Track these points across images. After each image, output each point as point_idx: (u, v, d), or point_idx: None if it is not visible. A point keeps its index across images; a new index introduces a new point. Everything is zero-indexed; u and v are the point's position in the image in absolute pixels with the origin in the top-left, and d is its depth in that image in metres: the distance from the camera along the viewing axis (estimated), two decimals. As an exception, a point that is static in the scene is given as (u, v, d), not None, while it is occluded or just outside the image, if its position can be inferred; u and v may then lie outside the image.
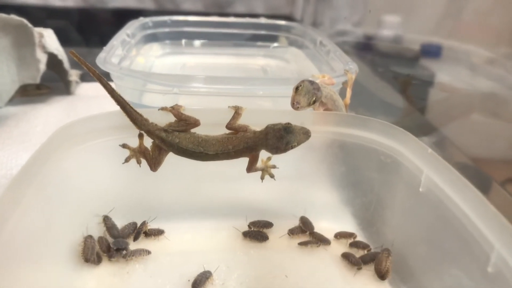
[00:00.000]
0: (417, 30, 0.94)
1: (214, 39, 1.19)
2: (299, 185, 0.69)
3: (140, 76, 0.73)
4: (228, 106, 0.56)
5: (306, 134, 0.52)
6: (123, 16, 1.19)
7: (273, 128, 0.52)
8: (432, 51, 0.86)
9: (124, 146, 0.56)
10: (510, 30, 0.67)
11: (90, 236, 0.60)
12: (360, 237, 0.67)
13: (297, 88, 0.60)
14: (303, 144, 0.52)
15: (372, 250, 0.64)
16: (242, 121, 0.55)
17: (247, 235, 0.66)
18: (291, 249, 0.65)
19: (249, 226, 0.68)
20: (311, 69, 1.02)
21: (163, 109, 0.55)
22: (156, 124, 0.54)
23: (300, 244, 0.65)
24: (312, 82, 0.61)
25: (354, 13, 1.31)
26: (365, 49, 1.19)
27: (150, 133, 0.54)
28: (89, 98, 1.12)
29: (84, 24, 1.46)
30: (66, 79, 1.12)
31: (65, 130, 0.57)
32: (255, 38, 1.22)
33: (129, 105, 0.54)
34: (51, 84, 1.14)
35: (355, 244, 0.65)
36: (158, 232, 0.65)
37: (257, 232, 0.66)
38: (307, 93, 0.60)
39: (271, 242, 0.66)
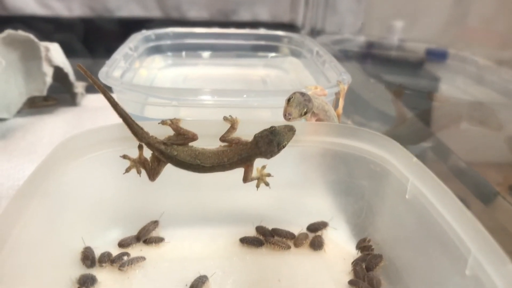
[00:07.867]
0: (422, 36, 0.94)
1: (215, 50, 1.22)
2: (293, 193, 0.71)
3: (140, 90, 0.76)
4: (224, 117, 0.59)
5: (291, 130, 0.55)
6: (128, 26, 1.23)
7: (260, 135, 0.55)
8: (437, 55, 0.86)
9: (124, 156, 0.59)
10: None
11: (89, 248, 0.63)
12: (353, 243, 0.68)
13: (288, 100, 0.62)
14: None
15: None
16: (240, 132, 0.57)
17: (244, 241, 0.68)
18: (286, 254, 0.67)
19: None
20: (308, 79, 1.04)
21: (163, 123, 0.57)
22: (156, 137, 0.57)
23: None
24: (303, 94, 0.63)
25: (358, 19, 1.33)
26: (366, 56, 1.21)
27: (150, 146, 0.56)
28: (95, 109, 1.16)
29: (90, 35, 1.50)
30: (72, 91, 1.16)
31: (67, 143, 0.60)
32: (255, 49, 1.25)
33: (131, 118, 0.56)
34: (58, 95, 1.18)
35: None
36: (158, 240, 0.67)
37: (253, 238, 0.69)
38: (298, 105, 0.61)
39: (267, 248, 0.68)
